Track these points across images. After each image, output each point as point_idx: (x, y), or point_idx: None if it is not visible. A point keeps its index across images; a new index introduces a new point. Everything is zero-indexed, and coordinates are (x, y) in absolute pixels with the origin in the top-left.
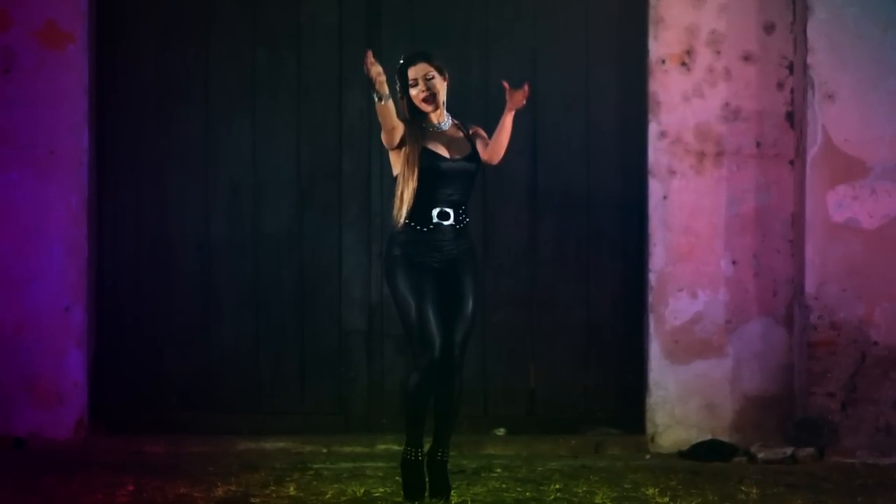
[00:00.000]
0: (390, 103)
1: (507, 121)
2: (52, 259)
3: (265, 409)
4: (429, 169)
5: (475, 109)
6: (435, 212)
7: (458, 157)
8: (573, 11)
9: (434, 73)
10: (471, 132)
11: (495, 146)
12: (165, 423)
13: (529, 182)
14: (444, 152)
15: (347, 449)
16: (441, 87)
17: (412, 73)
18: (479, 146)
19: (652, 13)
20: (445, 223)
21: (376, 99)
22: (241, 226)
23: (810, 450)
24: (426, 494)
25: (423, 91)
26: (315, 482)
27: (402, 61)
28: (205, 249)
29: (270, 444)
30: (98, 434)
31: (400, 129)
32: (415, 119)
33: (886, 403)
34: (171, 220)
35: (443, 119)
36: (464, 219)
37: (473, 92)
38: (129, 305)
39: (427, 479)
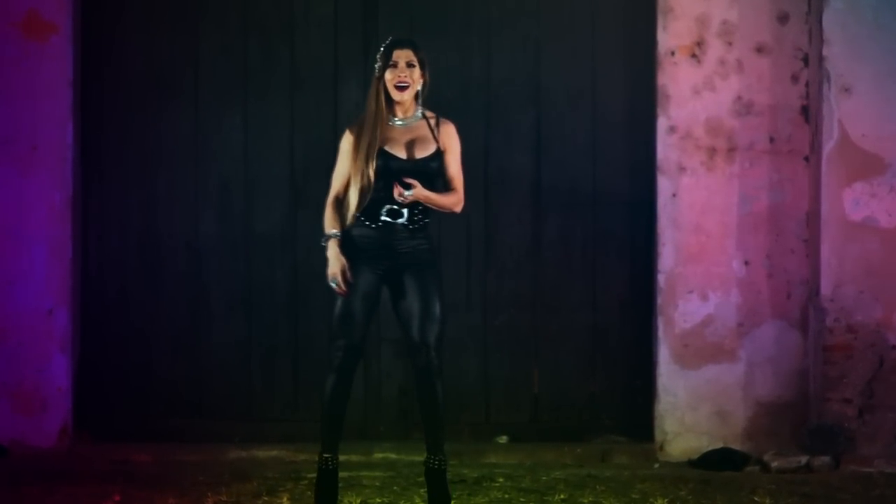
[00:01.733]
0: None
1: (428, 196)
2: (34, 259)
3: (257, 416)
4: (376, 167)
5: (476, 103)
6: (384, 209)
7: (416, 157)
8: (579, 1)
9: (416, 62)
10: (441, 133)
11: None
12: (153, 430)
13: (533, 179)
14: (397, 151)
15: (343, 457)
16: (417, 79)
17: (396, 55)
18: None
19: (661, 3)
20: (397, 221)
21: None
22: (233, 224)
23: (826, 458)
24: None
25: (398, 76)
26: (309, 492)
27: (388, 41)
28: (194, 249)
29: (263, 453)
30: (83, 442)
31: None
32: (378, 109)
33: None
34: (160, 218)
35: (409, 115)
36: (420, 219)
37: (474, 86)
38: (116, 308)
39: (427, 492)
